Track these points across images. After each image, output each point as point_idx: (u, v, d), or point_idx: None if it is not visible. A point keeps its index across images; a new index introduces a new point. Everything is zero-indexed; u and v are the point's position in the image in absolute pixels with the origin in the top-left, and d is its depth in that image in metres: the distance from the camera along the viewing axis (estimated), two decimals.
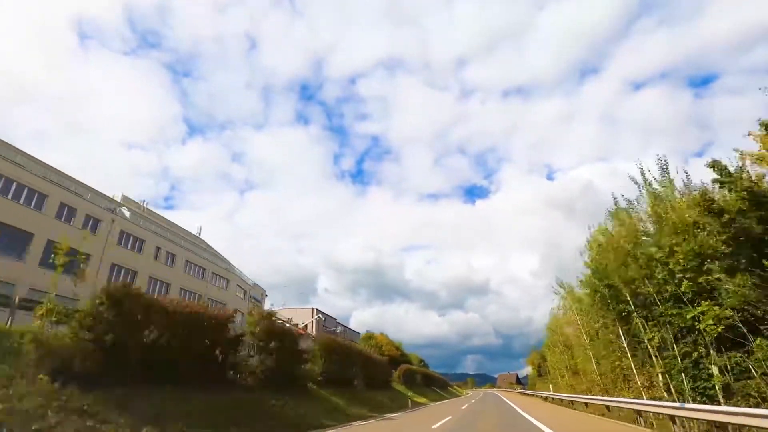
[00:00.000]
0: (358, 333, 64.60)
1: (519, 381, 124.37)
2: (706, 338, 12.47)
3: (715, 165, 12.86)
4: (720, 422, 9.02)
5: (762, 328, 11.18)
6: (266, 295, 52.83)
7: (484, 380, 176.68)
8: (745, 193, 11.76)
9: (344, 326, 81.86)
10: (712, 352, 12.36)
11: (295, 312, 64.21)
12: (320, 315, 68.09)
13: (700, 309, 12.74)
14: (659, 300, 14.84)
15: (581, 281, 24.02)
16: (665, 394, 14.49)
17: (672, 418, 10.83)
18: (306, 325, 63.74)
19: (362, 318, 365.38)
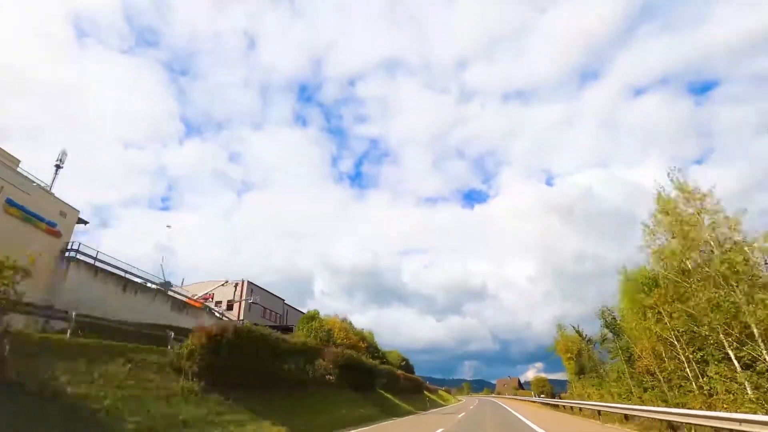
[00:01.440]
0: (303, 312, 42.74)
1: (521, 386, 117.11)
2: None
3: None
4: None
5: None
6: (86, 223, 21.83)
7: (481, 386, 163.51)
8: None
9: (288, 305, 58.95)
10: None
11: (222, 287, 44.40)
12: (250, 286, 46.64)
13: None
14: None
15: None
16: None
17: None
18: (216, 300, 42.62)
19: (358, 321, 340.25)
